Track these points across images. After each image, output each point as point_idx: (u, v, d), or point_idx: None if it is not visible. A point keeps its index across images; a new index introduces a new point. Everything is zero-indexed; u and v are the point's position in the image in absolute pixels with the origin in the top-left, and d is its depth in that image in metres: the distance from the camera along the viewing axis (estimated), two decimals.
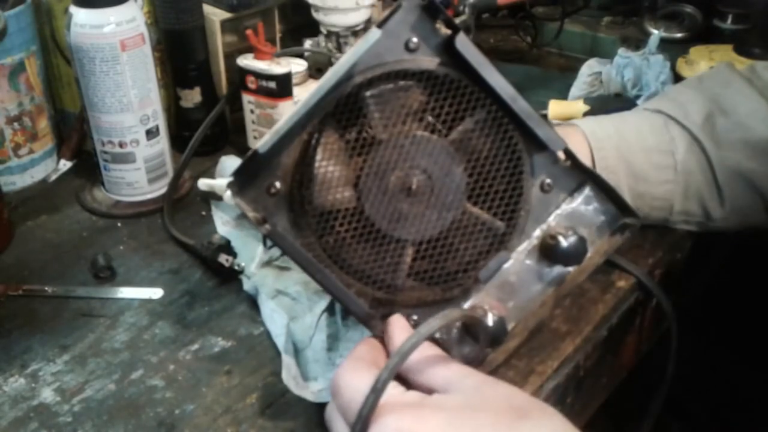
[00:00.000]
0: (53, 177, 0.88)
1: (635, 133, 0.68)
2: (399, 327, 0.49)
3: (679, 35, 1.14)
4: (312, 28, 0.98)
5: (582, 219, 0.53)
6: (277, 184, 0.47)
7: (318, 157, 0.46)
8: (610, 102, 0.90)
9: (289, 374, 0.56)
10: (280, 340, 0.61)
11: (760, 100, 0.68)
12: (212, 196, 0.80)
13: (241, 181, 0.46)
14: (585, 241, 0.51)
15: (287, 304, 0.64)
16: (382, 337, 0.51)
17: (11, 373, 0.61)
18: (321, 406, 0.55)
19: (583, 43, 1.18)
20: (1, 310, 0.67)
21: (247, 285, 0.68)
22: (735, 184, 0.67)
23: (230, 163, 0.81)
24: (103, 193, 0.84)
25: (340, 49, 0.97)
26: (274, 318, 0.63)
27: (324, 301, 0.63)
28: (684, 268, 0.76)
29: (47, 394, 0.59)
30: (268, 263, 0.68)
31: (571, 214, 0.52)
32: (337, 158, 0.47)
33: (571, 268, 0.53)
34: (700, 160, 0.68)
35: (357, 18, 0.95)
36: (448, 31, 0.47)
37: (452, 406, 0.42)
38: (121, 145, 0.79)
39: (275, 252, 0.69)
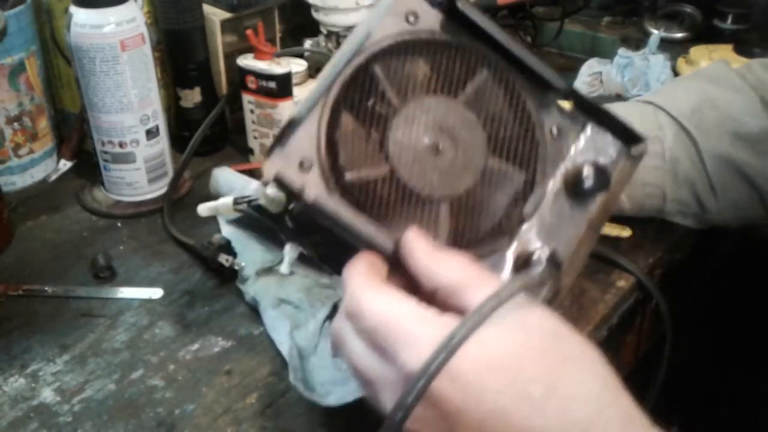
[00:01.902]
0: (53, 177, 0.88)
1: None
2: (421, 248, 0.44)
3: (679, 35, 1.14)
4: (312, 28, 0.98)
5: (598, 152, 0.54)
6: (309, 157, 0.47)
7: (344, 127, 0.46)
8: (611, 102, 0.90)
9: (296, 377, 0.56)
10: (284, 348, 0.61)
11: (751, 95, 0.69)
12: (216, 197, 0.80)
13: (275, 154, 0.45)
14: (605, 168, 0.52)
15: (290, 312, 0.64)
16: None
17: (11, 373, 0.61)
18: (321, 406, 0.55)
19: (583, 43, 1.18)
20: (1, 310, 0.67)
21: (247, 297, 0.67)
22: (726, 174, 0.68)
23: (224, 176, 0.79)
24: (103, 193, 0.84)
25: None
26: (277, 326, 0.63)
27: (326, 308, 0.63)
28: (684, 268, 0.76)
29: (47, 394, 0.59)
30: (269, 270, 0.68)
31: (585, 148, 0.53)
32: (363, 128, 0.47)
33: (599, 197, 0.53)
34: (689, 148, 0.68)
35: (357, 18, 0.95)
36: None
37: (497, 339, 0.39)
38: (121, 145, 0.79)
39: (276, 257, 0.68)
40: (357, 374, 0.43)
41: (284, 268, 0.48)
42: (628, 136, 0.54)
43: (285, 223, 0.47)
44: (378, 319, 0.40)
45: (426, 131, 0.48)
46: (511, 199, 0.51)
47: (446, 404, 0.37)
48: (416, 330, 0.39)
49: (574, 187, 0.52)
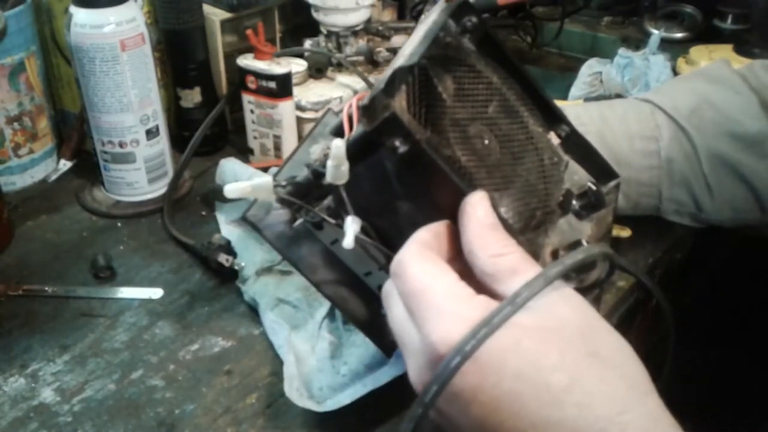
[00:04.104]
0: (53, 177, 0.88)
1: (620, 119, 0.70)
2: (479, 216, 0.42)
3: (679, 35, 1.14)
4: (312, 28, 0.98)
5: (574, 185, 0.54)
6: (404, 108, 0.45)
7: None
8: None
9: (291, 387, 0.56)
10: (282, 352, 0.61)
11: (752, 97, 0.69)
12: (216, 197, 0.80)
13: (383, 98, 0.42)
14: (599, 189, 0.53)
15: (288, 312, 0.64)
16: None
17: (11, 373, 0.61)
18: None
19: (583, 43, 1.18)
20: (1, 310, 0.67)
21: (246, 297, 0.67)
22: (722, 174, 0.69)
23: (231, 166, 0.80)
24: (103, 193, 0.84)
25: (340, 49, 0.97)
26: (275, 329, 0.63)
27: (324, 308, 0.62)
28: (684, 268, 0.76)
29: (47, 394, 0.59)
30: (269, 269, 0.68)
31: (567, 179, 0.54)
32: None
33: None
34: (686, 147, 0.69)
35: (357, 18, 0.95)
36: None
37: (525, 324, 0.37)
38: (121, 145, 0.79)
39: (276, 257, 0.68)
40: (395, 336, 0.43)
41: (348, 242, 0.46)
42: (604, 173, 0.55)
43: (339, 194, 0.45)
44: (414, 285, 0.40)
45: (475, 128, 0.47)
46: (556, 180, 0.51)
47: (463, 381, 0.37)
48: (446, 304, 0.39)
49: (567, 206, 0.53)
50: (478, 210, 0.42)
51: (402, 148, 0.41)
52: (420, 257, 0.41)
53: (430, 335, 0.38)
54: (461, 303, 0.39)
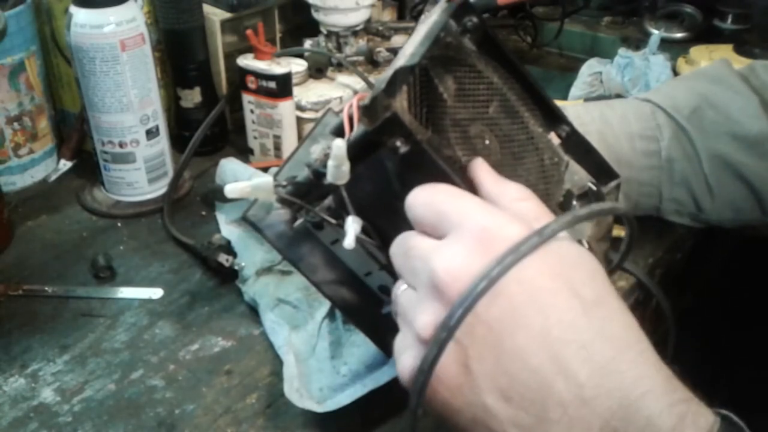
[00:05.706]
0: (53, 177, 0.88)
1: (620, 118, 0.70)
2: (487, 169, 0.44)
3: (679, 35, 1.14)
4: (312, 28, 0.98)
5: (574, 185, 0.54)
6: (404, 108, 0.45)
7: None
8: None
9: (291, 387, 0.56)
10: (282, 352, 0.61)
11: (752, 97, 0.69)
12: (216, 197, 0.80)
13: (384, 98, 0.42)
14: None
15: (288, 312, 0.64)
16: None
17: (11, 373, 0.61)
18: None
19: (583, 43, 1.18)
20: (1, 310, 0.67)
21: (246, 297, 0.67)
22: (722, 174, 0.69)
23: (231, 166, 0.80)
24: (103, 193, 0.84)
25: (340, 49, 0.97)
26: (276, 330, 0.63)
27: (324, 307, 0.62)
28: (684, 268, 0.76)
29: (47, 394, 0.59)
30: (269, 269, 0.68)
31: (567, 180, 0.54)
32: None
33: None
34: (686, 147, 0.69)
35: (357, 18, 0.95)
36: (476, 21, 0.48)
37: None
38: (121, 145, 0.79)
39: (276, 257, 0.68)
40: (398, 291, 0.42)
41: (349, 242, 0.46)
42: (604, 173, 0.55)
43: (340, 194, 0.45)
44: (443, 194, 0.40)
45: (476, 128, 0.47)
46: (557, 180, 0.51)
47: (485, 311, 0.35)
48: (486, 213, 0.38)
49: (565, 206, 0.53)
50: (485, 166, 0.43)
51: (403, 149, 0.41)
52: (433, 187, 0.41)
53: (479, 223, 0.37)
54: (500, 214, 0.38)
